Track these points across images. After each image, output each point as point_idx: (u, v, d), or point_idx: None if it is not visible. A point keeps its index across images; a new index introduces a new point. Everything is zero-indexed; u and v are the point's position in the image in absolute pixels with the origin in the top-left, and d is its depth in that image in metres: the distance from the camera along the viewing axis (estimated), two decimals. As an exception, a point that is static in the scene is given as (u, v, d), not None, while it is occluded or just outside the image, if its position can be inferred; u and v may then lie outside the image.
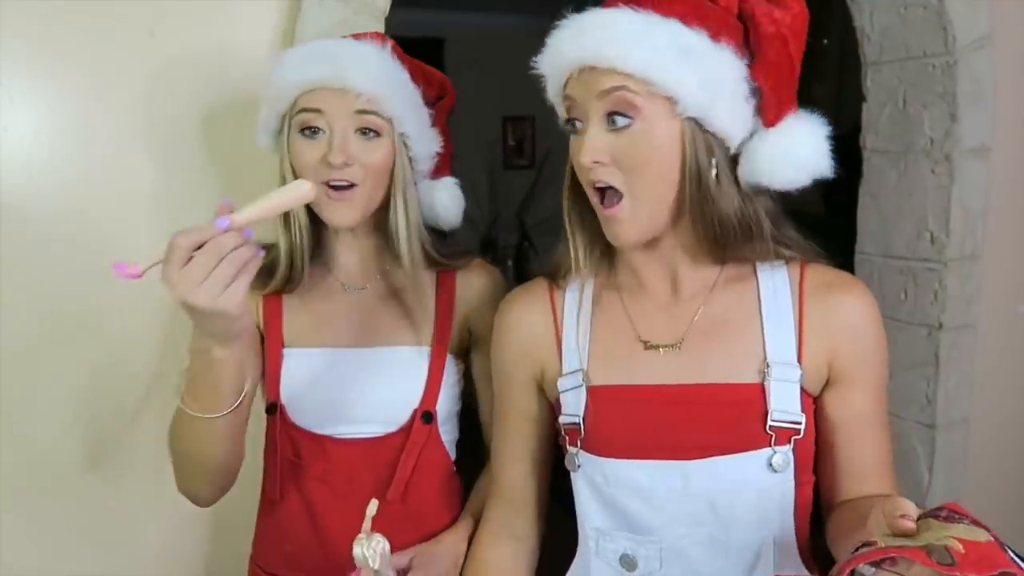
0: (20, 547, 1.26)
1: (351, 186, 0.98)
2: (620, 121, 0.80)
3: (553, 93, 0.89)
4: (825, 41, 2.76)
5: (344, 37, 1.04)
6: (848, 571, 0.63)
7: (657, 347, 0.89)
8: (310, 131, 0.98)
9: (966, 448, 1.73)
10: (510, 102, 4.44)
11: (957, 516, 0.65)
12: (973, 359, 1.70)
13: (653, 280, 0.91)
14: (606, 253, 0.93)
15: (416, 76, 1.05)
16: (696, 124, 0.81)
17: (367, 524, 0.83)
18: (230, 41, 1.24)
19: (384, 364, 1.05)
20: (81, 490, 1.28)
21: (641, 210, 0.83)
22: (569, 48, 0.83)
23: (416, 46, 1.12)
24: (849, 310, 0.87)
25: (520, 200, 4.67)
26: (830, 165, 0.84)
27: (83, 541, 1.29)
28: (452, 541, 1.05)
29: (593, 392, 0.89)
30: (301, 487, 1.06)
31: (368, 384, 1.04)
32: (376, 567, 0.81)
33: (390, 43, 1.03)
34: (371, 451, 1.04)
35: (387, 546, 0.83)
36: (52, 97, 1.18)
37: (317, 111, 0.97)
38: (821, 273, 0.89)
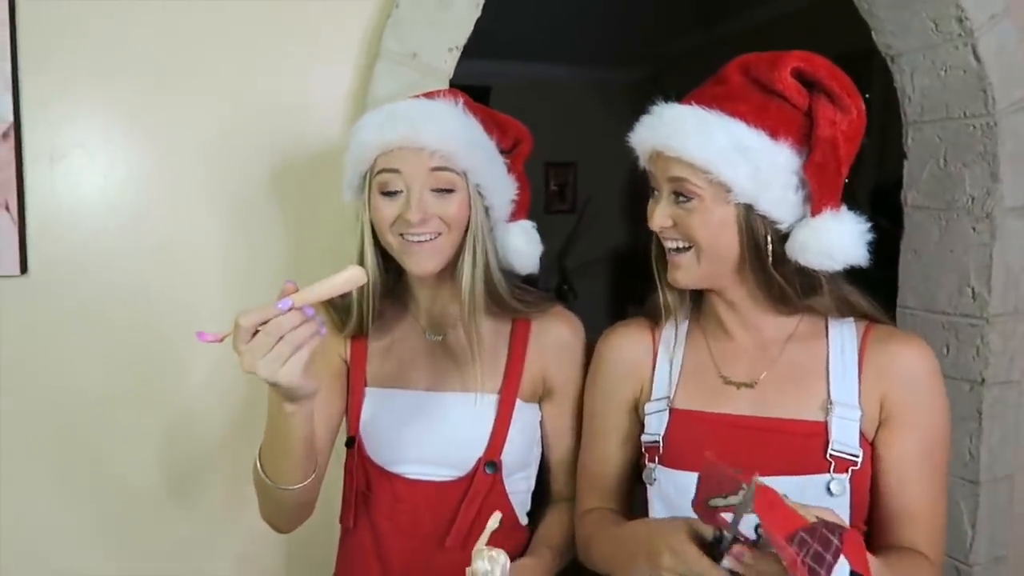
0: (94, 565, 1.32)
1: (435, 237, 1.04)
2: (683, 200, 0.97)
3: (643, 164, 1.05)
4: (867, 96, 2.81)
5: (417, 96, 1.10)
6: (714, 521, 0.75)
7: (735, 384, 1.03)
8: (389, 192, 1.04)
9: (1010, 504, 1.72)
10: (552, 148, 4.55)
11: (838, 534, 0.70)
12: (1017, 415, 1.70)
13: (735, 327, 1.05)
14: (696, 302, 1.07)
15: (489, 126, 1.09)
16: (750, 208, 0.95)
17: (485, 538, 0.87)
18: (304, 102, 1.34)
19: (453, 410, 1.09)
20: (163, 524, 1.36)
21: (700, 264, 0.98)
22: (647, 134, 1.00)
23: (465, 93, 1.17)
24: (903, 359, 0.99)
25: (560, 244, 4.74)
26: (864, 256, 0.97)
27: (157, 562, 1.36)
28: (531, 564, 1.06)
29: (674, 414, 1.03)
30: (371, 520, 1.11)
31: (437, 428, 1.09)
32: None
33: (462, 98, 1.09)
34: (436, 494, 1.08)
35: (508, 562, 0.86)
36: (142, 150, 1.28)
37: (395, 171, 1.03)
38: (885, 330, 1.02)
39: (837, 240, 0.95)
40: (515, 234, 1.15)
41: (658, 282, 1.07)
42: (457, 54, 1.33)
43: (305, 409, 0.90)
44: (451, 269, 1.08)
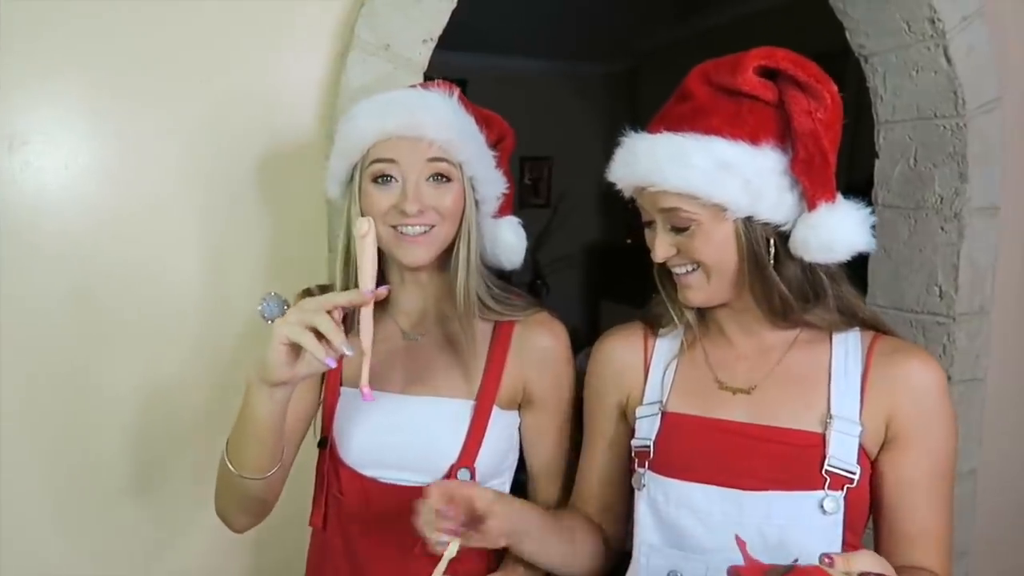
0: (63, 561, 1.30)
1: (429, 229, 1.02)
2: (681, 228, 0.94)
3: (628, 195, 1.02)
4: (841, 95, 2.83)
5: (412, 87, 1.09)
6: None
7: (731, 390, 0.99)
8: (383, 179, 1.02)
9: (974, 499, 1.75)
10: (528, 143, 4.53)
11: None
12: (982, 412, 1.73)
13: (735, 334, 1.02)
14: (696, 312, 1.04)
15: (479, 121, 1.08)
16: (748, 219, 0.92)
17: (442, 567, 0.88)
18: (276, 91, 1.31)
19: (428, 414, 1.07)
20: (127, 522, 1.33)
21: (710, 282, 0.96)
22: (625, 172, 0.98)
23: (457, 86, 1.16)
24: (912, 376, 0.94)
25: (534, 239, 4.73)
26: (870, 242, 0.93)
27: (123, 560, 1.33)
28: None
29: (666, 418, 1.00)
30: (342, 522, 1.09)
31: (410, 433, 1.06)
32: None
33: (457, 91, 1.07)
34: (409, 499, 1.03)
35: None
36: (108, 138, 1.25)
37: (391, 161, 1.01)
38: (890, 342, 0.98)
39: (837, 232, 0.91)
40: (504, 229, 1.15)
41: (666, 300, 1.04)
42: (431, 45, 1.31)
43: (280, 396, 0.91)
44: (437, 263, 1.07)
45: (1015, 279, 1.74)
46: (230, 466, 0.96)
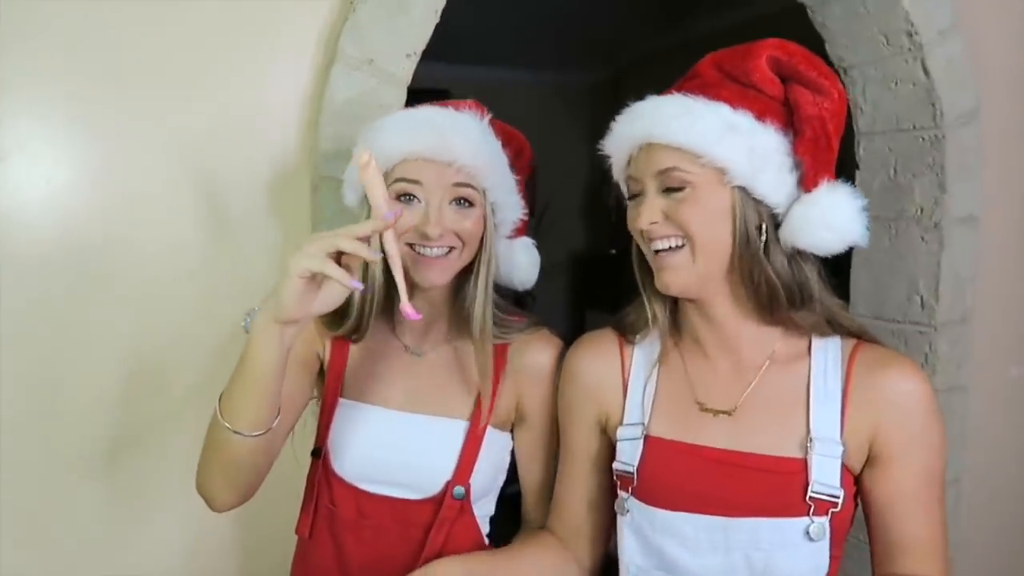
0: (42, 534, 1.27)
1: (448, 252, 1.01)
2: (674, 191, 0.91)
3: (618, 172, 1.01)
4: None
5: (444, 105, 1.06)
6: None
7: (712, 411, 0.96)
8: (406, 197, 1.01)
9: (958, 507, 1.76)
10: (512, 152, 4.54)
11: None
12: (964, 420, 1.74)
13: (713, 347, 0.98)
14: (674, 321, 1.02)
15: (502, 140, 1.08)
16: (745, 193, 0.90)
17: None
18: (259, 104, 1.30)
19: (425, 432, 1.06)
20: (109, 524, 1.31)
21: (694, 262, 0.92)
22: (629, 129, 0.95)
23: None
24: (893, 388, 0.90)
25: (519, 248, 4.73)
26: (864, 234, 0.92)
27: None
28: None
29: (649, 442, 0.97)
30: (335, 533, 1.09)
31: (407, 450, 1.06)
32: None
33: (487, 114, 1.07)
34: (402, 513, 1.06)
35: None
36: (88, 152, 1.23)
37: (416, 182, 1.00)
38: (873, 352, 0.94)
39: (837, 212, 0.90)
40: (519, 251, 1.16)
41: (643, 292, 1.01)
42: (415, 60, 1.31)
43: (288, 336, 0.87)
44: (450, 285, 1.07)
45: (994, 288, 1.76)
46: (223, 420, 0.90)
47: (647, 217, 0.92)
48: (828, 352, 0.95)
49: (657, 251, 0.93)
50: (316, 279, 0.83)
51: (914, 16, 1.59)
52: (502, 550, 1.09)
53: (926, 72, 1.62)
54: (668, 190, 0.91)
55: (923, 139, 1.67)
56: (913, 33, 1.61)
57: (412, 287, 1.07)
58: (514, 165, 1.11)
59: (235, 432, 0.90)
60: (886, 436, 0.91)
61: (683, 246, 0.92)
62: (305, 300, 0.84)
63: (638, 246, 0.99)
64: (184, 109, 1.27)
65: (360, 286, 0.82)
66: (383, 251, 0.87)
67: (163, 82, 1.26)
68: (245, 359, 0.88)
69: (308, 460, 1.14)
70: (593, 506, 1.06)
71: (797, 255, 0.93)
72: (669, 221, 0.91)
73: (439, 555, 1.04)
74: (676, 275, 0.92)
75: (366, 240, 0.83)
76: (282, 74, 1.31)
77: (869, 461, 0.92)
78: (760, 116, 0.90)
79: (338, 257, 0.83)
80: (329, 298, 0.85)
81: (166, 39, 1.25)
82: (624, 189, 1.01)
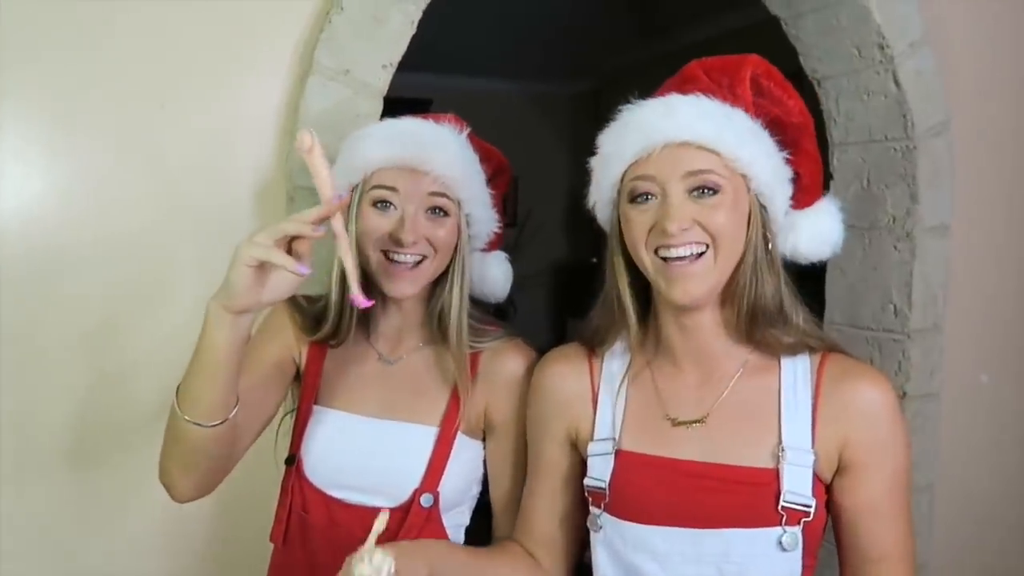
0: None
1: (420, 262, 1.03)
2: (708, 193, 0.88)
3: (611, 177, 0.94)
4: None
5: (424, 118, 1.09)
6: None
7: (683, 424, 0.95)
8: (382, 204, 1.03)
9: (931, 514, 1.78)
10: (493, 162, 4.55)
11: None
12: (937, 427, 1.76)
13: (684, 358, 0.97)
14: (644, 330, 0.99)
15: (480, 156, 1.10)
16: (758, 201, 0.92)
17: (371, 540, 0.81)
18: (235, 115, 1.30)
19: (395, 438, 1.07)
20: (83, 536, 1.29)
21: (716, 266, 0.89)
22: (661, 125, 0.89)
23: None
24: (861, 398, 0.91)
25: (502, 257, 4.74)
26: (842, 241, 0.99)
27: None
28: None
29: (620, 457, 0.96)
30: (306, 539, 1.09)
31: (377, 455, 1.06)
32: None
33: (467, 129, 1.10)
34: (371, 521, 1.04)
35: (392, 565, 0.77)
36: (59, 167, 1.23)
37: (392, 189, 1.02)
38: (840, 362, 0.95)
39: (832, 226, 0.96)
40: (492, 264, 1.18)
41: (628, 307, 0.96)
42: (391, 71, 1.32)
43: (242, 325, 0.86)
44: (421, 296, 1.08)
45: (965, 296, 1.78)
46: (179, 411, 0.89)
47: (678, 222, 0.85)
48: (797, 364, 0.95)
49: (670, 258, 0.88)
50: (265, 267, 0.83)
51: (885, 29, 1.61)
52: (473, 549, 1.07)
53: (897, 84, 1.65)
54: (698, 193, 0.87)
55: (895, 150, 1.69)
56: (885, 46, 1.63)
57: (385, 297, 1.08)
58: (492, 182, 1.13)
59: (192, 423, 0.89)
60: (855, 445, 0.91)
61: (705, 252, 0.88)
62: (255, 288, 0.83)
63: (625, 253, 0.94)
64: (160, 121, 1.26)
65: (307, 271, 0.82)
66: (338, 250, 0.87)
67: (138, 94, 1.25)
68: (199, 349, 0.87)
69: (281, 470, 1.14)
70: (562, 521, 1.05)
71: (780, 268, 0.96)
72: (697, 226, 0.87)
73: None
74: (698, 283, 0.88)
75: (316, 224, 0.82)
76: (258, 85, 1.31)
77: (839, 470, 0.93)
78: (764, 126, 0.92)
79: (288, 245, 0.83)
80: (279, 286, 0.85)
81: (142, 50, 1.24)
82: (611, 199, 0.96)
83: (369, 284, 1.07)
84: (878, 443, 0.92)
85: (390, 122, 1.08)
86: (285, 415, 1.19)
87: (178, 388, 0.91)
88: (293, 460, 1.10)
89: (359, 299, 0.86)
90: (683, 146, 0.87)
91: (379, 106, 1.32)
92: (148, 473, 0.97)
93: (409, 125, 1.06)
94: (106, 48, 1.23)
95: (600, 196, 0.98)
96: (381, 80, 1.31)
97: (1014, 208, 1.84)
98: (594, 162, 0.98)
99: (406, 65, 1.34)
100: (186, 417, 0.89)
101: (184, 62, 1.27)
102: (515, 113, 4.79)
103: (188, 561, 1.35)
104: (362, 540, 1.05)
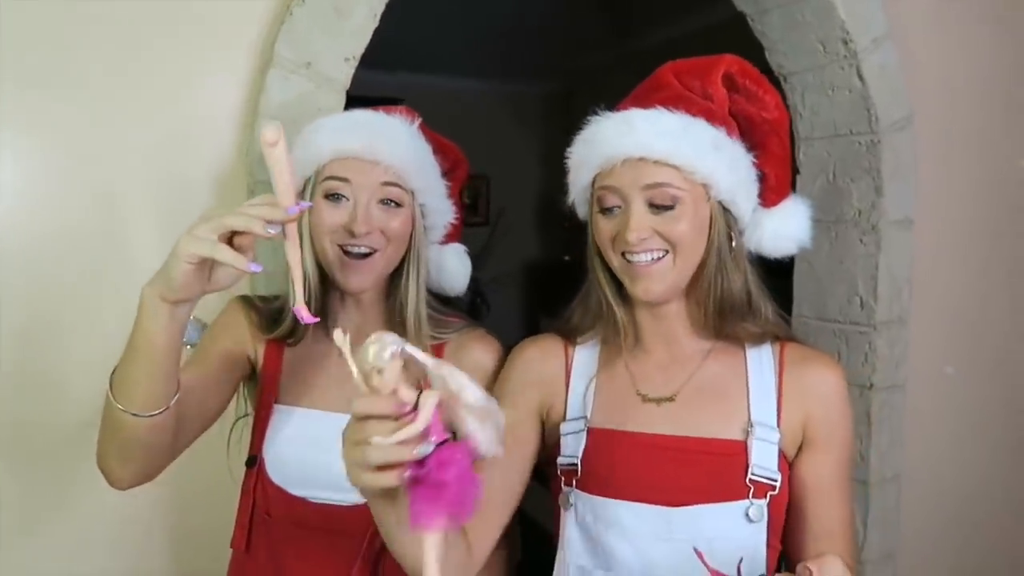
0: None
1: (371, 253, 1.02)
2: (665, 208, 0.93)
3: (582, 182, 1.00)
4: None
5: (375, 110, 1.08)
6: None
7: (654, 400, 0.99)
8: (334, 197, 1.02)
9: (898, 503, 1.80)
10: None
11: None
12: (903, 418, 1.78)
13: (654, 342, 1.02)
14: (611, 320, 1.03)
15: (435, 149, 1.11)
16: (721, 206, 0.96)
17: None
18: (194, 109, 1.28)
19: None
20: (40, 542, 1.26)
21: (675, 268, 0.95)
22: (620, 142, 0.94)
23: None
24: (822, 381, 0.99)
25: (474, 257, 4.73)
26: (810, 237, 1.04)
27: None
28: None
29: (592, 434, 0.98)
30: (270, 543, 1.06)
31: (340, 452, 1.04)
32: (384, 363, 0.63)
33: (418, 119, 1.10)
34: (340, 519, 1.04)
35: (401, 347, 0.64)
36: (16, 161, 1.20)
37: (344, 180, 1.02)
38: (799, 350, 1.02)
39: (800, 224, 1.01)
40: (449, 256, 1.17)
41: (609, 300, 1.01)
42: (354, 64, 1.30)
43: (181, 313, 0.82)
44: (379, 289, 1.08)
45: (929, 289, 1.80)
46: (115, 402, 0.84)
47: (637, 232, 0.92)
48: (761, 351, 1.01)
49: (633, 261, 0.95)
50: (207, 261, 0.78)
51: (849, 24, 1.63)
52: None
53: (861, 79, 1.66)
54: (656, 207, 0.93)
55: (860, 144, 1.71)
56: (848, 41, 1.65)
57: (342, 292, 1.06)
58: (449, 175, 1.14)
59: (129, 413, 0.85)
60: (815, 423, 0.98)
61: (664, 255, 0.94)
62: (196, 282, 0.79)
63: (600, 256, 1.00)
64: (118, 116, 1.24)
65: (258, 269, 0.78)
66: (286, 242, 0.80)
67: (94, 87, 1.22)
68: (135, 338, 0.83)
69: (243, 472, 1.11)
70: (499, 488, 0.99)
71: (748, 263, 1.00)
72: (656, 235, 0.93)
73: (377, 560, 1.03)
74: (657, 282, 0.95)
75: (268, 224, 0.76)
76: (218, 78, 1.29)
77: (802, 447, 0.98)
78: (730, 132, 0.96)
79: (231, 237, 0.78)
80: (223, 279, 0.81)
81: (98, 43, 1.21)
82: (586, 199, 1.01)
83: (326, 280, 1.06)
84: (834, 424, 0.98)
85: (341, 114, 1.08)
86: (237, 420, 1.17)
87: (112, 377, 0.86)
88: (254, 462, 1.08)
89: (302, 313, 0.82)
90: (642, 160, 0.93)
91: (342, 100, 1.30)
92: (97, 474, 0.95)
93: (360, 116, 1.06)
94: (62, 41, 1.20)
95: (577, 196, 1.04)
96: (344, 74, 1.29)
97: (976, 202, 1.87)
98: (569, 165, 1.03)
99: (376, 64, 1.33)
100: (120, 407, 0.85)
101: (142, 54, 1.24)
102: (486, 113, 4.77)
103: (142, 568, 1.32)
104: (329, 539, 1.04)
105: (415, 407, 0.64)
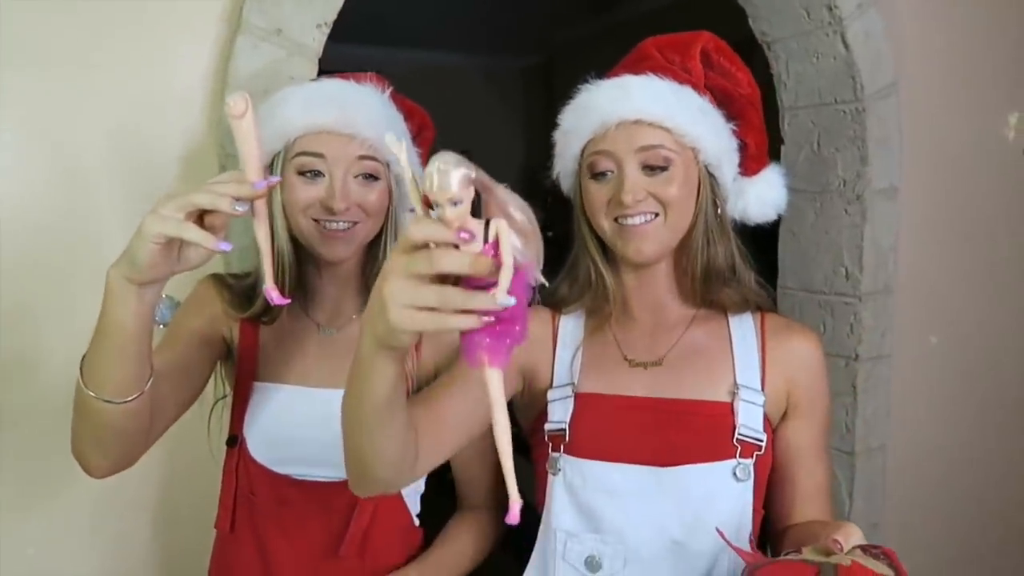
0: None
1: (353, 225, 0.99)
2: (658, 169, 0.96)
3: (572, 150, 1.02)
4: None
5: (344, 77, 1.03)
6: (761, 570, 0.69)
7: (641, 364, 1.01)
8: (311, 174, 0.98)
9: (883, 472, 1.80)
10: (446, 136, 4.49)
11: (884, 557, 0.70)
12: (889, 388, 1.78)
13: (640, 309, 1.04)
14: (598, 291, 1.04)
15: (404, 114, 1.07)
16: (707, 171, 1.00)
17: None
18: (162, 79, 1.23)
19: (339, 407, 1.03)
20: (20, 529, 1.23)
21: (667, 228, 0.98)
22: (615, 106, 0.97)
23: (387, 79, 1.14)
24: (804, 350, 1.03)
25: (456, 232, 4.69)
26: (786, 203, 1.08)
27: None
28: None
29: (579, 398, 0.99)
30: (254, 523, 1.05)
31: (323, 426, 0.98)
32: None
33: (389, 87, 1.06)
34: (325, 495, 1.03)
35: (471, 170, 0.57)
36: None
37: (319, 155, 0.97)
38: (779, 319, 1.06)
39: (778, 191, 1.06)
40: None
41: (601, 266, 1.03)
42: (326, 31, 1.25)
43: (150, 296, 0.78)
44: (357, 260, 1.06)
45: (915, 257, 1.79)
46: (87, 389, 0.81)
47: (633, 194, 0.94)
48: (743, 319, 1.04)
49: (626, 224, 0.97)
50: (174, 240, 0.75)
51: (833, -11, 1.60)
52: (439, 544, 1.11)
53: (846, 46, 1.64)
54: (650, 168, 0.96)
55: (844, 112, 1.69)
56: (833, 7, 1.62)
57: (320, 262, 1.03)
58: (416, 139, 1.11)
59: (103, 400, 0.81)
60: (800, 391, 1.01)
61: (655, 217, 0.97)
62: (164, 263, 0.75)
63: (588, 224, 1.01)
64: (82, 90, 1.19)
65: (228, 247, 0.74)
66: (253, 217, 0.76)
67: (59, 58, 1.17)
68: (103, 322, 0.79)
69: (224, 453, 1.08)
70: (462, 413, 0.93)
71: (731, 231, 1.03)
72: (651, 197, 0.96)
73: (364, 536, 1.02)
74: (649, 242, 0.97)
75: (236, 201, 0.73)
76: (185, 48, 1.24)
77: (786, 413, 1.02)
78: (712, 102, 1.00)
79: (200, 216, 0.74)
80: (192, 258, 0.77)
81: (62, 12, 1.16)
82: (573, 169, 1.03)
83: (302, 253, 1.02)
84: (814, 388, 1.02)
85: (310, 84, 1.03)
86: (216, 402, 1.14)
87: (82, 363, 0.83)
88: (235, 441, 1.06)
89: (272, 294, 0.78)
90: (636, 123, 0.95)
91: (314, 68, 1.25)
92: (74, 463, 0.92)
93: (330, 87, 1.01)
94: (25, 14, 1.14)
95: (563, 168, 1.05)
96: (316, 40, 1.25)
97: (961, 170, 1.86)
98: (556, 136, 1.04)
99: (354, 38, 1.29)
100: (92, 394, 0.81)
101: (107, 23, 1.19)
102: (467, 87, 4.72)
103: (125, 554, 1.29)
104: (315, 516, 1.02)
105: (484, 238, 0.56)
